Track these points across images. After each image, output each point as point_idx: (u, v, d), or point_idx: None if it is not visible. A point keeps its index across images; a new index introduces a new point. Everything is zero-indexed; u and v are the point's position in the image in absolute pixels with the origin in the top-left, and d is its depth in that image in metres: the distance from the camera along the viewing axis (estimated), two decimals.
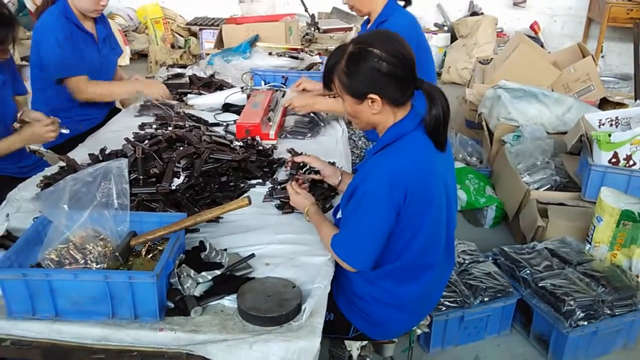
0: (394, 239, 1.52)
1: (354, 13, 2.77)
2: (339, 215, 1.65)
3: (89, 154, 2.09)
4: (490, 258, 2.64)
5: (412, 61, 1.48)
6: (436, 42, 6.44)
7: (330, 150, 2.32)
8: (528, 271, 2.45)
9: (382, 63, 1.44)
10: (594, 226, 2.62)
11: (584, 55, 4.49)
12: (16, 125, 2.25)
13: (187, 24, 6.68)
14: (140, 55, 6.57)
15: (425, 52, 2.54)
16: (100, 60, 2.75)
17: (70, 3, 2.57)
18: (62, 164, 2.03)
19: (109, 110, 2.77)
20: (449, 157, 1.65)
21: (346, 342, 1.78)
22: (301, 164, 2.03)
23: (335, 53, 1.53)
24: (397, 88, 1.48)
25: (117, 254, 1.41)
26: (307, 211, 1.71)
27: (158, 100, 2.65)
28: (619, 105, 3.97)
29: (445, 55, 6.40)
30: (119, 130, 2.40)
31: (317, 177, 1.95)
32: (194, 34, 6.46)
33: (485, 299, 2.37)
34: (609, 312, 2.31)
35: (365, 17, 2.66)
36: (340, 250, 1.54)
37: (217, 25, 5.63)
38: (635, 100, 4.43)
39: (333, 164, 2.06)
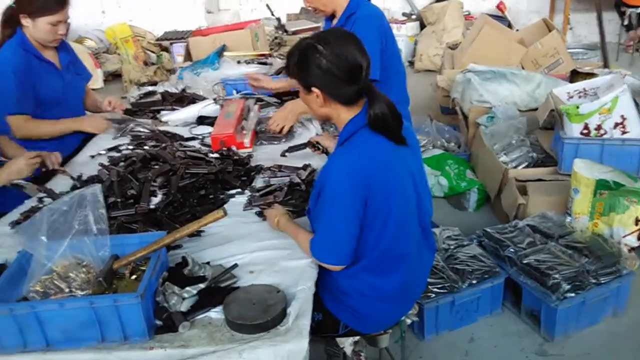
0: (366, 231, 1.56)
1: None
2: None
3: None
4: (474, 241, 2.68)
5: (355, 65, 1.52)
6: (406, 31, 6.48)
7: (306, 151, 2.34)
8: (512, 250, 2.49)
9: (322, 60, 1.51)
10: (572, 198, 2.66)
11: (550, 29, 4.55)
12: None
13: (157, 39, 6.66)
14: (114, 76, 6.55)
15: (392, 44, 2.58)
16: (64, 88, 2.73)
17: (27, 34, 2.56)
18: (41, 195, 2.04)
19: (83, 137, 2.77)
20: (414, 148, 1.69)
21: (338, 339, 1.80)
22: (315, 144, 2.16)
23: (295, 45, 1.61)
24: (336, 86, 1.54)
25: (100, 279, 1.43)
26: (277, 222, 1.75)
27: (99, 131, 2.67)
28: (590, 75, 4.03)
29: (416, 43, 6.45)
30: (96, 155, 2.41)
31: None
32: (165, 49, 6.45)
33: (474, 282, 2.41)
34: (594, 281, 2.36)
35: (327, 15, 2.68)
36: (319, 254, 1.58)
37: (187, 38, 5.64)
38: (605, 68, 4.50)
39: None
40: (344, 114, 1.59)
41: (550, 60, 4.33)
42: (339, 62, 1.51)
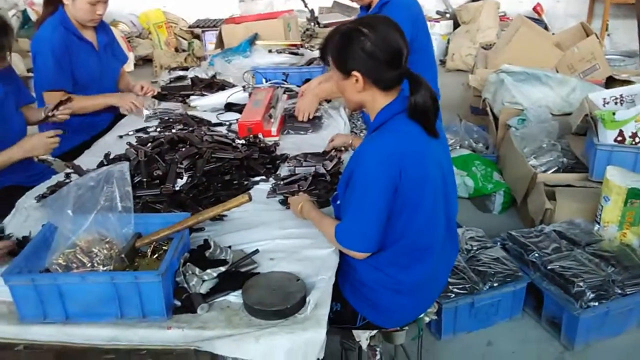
0: (393, 219, 1.54)
1: (354, 4, 2.79)
2: (338, 202, 1.67)
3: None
4: (498, 243, 2.64)
5: (397, 49, 1.52)
6: (439, 29, 6.41)
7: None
8: (537, 254, 2.44)
9: (367, 42, 1.50)
10: (602, 206, 2.60)
11: (588, 34, 4.45)
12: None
13: (189, 26, 6.71)
14: (145, 61, 6.62)
15: (425, 36, 2.56)
16: (101, 68, 2.77)
17: (68, 13, 2.60)
18: (68, 170, 2.07)
19: (114, 116, 2.80)
20: (443, 142, 1.67)
21: (354, 332, 1.79)
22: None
23: (334, 29, 1.60)
24: (378, 70, 1.53)
25: (122, 255, 1.44)
26: (300, 208, 1.73)
27: (131, 110, 2.69)
28: (626, 83, 3.92)
29: (448, 42, 6.37)
30: (125, 135, 2.44)
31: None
32: (197, 37, 6.49)
33: (495, 284, 2.37)
34: (619, 291, 2.30)
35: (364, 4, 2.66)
36: (345, 240, 1.56)
37: (219, 26, 5.66)
38: None
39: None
40: (380, 100, 1.57)
41: (586, 66, 4.23)
42: (384, 45, 1.50)
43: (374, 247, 1.56)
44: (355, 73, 1.53)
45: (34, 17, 6.02)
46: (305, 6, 5.16)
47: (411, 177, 1.50)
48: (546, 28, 6.11)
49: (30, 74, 4.49)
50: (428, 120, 1.53)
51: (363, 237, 1.54)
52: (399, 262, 1.59)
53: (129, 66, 6.19)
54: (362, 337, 1.80)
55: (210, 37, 6.08)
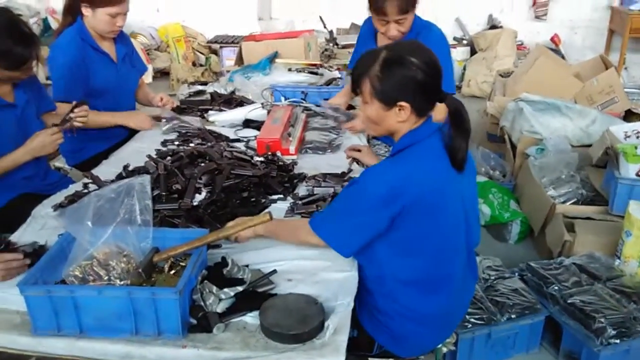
0: (406, 247, 1.51)
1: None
2: None
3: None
4: (516, 274, 2.59)
5: (441, 73, 1.50)
6: (455, 55, 6.41)
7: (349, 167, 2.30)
8: (556, 287, 2.39)
9: (418, 71, 1.45)
10: (623, 241, 2.55)
11: (607, 67, 4.43)
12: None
13: (207, 42, 6.76)
14: (162, 74, 6.66)
15: (450, 65, 2.56)
16: (119, 79, 2.76)
17: (87, 24, 2.60)
18: (86, 180, 2.05)
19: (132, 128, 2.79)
20: (469, 171, 1.62)
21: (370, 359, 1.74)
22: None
23: (367, 57, 1.52)
24: (426, 98, 1.50)
25: (140, 270, 1.41)
26: (253, 231, 1.65)
27: (142, 129, 2.69)
28: None
29: (464, 68, 6.37)
30: (143, 147, 2.42)
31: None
32: (215, 52, 6.53)
33: (513, 316, 2.31)
34: None
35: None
36: (319, 227, 1.55)
37: (237, 43, 5.69)
38: None
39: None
40: (410, 127, 1.54)
41: (605, 98, 4.20)
42: (433, 73, 1.47)
43: (345, 251, 1.54)
44: (402, 104, 1.48)
45: (54, 25, 6.09)
46: (324, 27, 5.19)
47: (424, 208, 1.47)
48: (563, 59, 6.10)
49: (49, 82, 4.52)
50: (461, 150, 1.50)
51: (338, 233, 1.53)
52: (417, 292, 1.56)
53: (148, 78, 6.22)
54: None
55: (227, 53, 6.11)
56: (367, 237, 1.51)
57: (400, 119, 1.51)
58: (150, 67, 6.37)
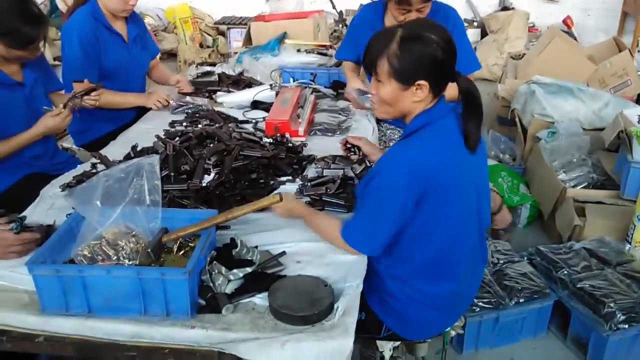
0: (419, 230, 1.49)
1: None
2: None
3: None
4: (525, 258, 2.57)
5: (456, 51, 1.47)
6: None
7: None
8: (566, 272, 2.37)
9: (438, 49, 1.42)
10: (634, 225, 2.52)
11: (620, 49, 4.35)
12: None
13: (215, 23, 6.70)
14: (169, 55, 6.62)
15: (469, 43, 2.56)
16: (130, 60, 2.75)
17: (100, 3, 2.58)
18: (95, 160, 2.05)
19: (140, 108, 2.77)
20: (481, 155, 1.60)
21: (378, 342, 1.74)
22: (351, 147, 2.04)
23: (382, 36, 1.48)
24: (443, 76, 1.47)
25: (149, 250, 1.40)
26: (290, 209, 1.65)
27: (158, 108, 2.68)
28: None
29: (475, 50, 6.28)
30: (150, 128, 2.41)
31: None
32: (222, 33, 6.48)
33: (521, 300, 2.30)
34: None
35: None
36: (351, 238, 1.52)
37: (245, 24, 5.64)
38: None
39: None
40: (424, 107, 1.51)
41: (618, 81, 4.13)
42: (450, 50, 1.44)
43: (378, 251, 1.52)
44: (421, 82, 1.45)
45: (61, 5, 6.05)
46: (334, 7, 5.13)
47: (440, 190, 1.44)
48: (575, 41, 6.01)
49: (57, 62, 4.51)
50: (473, 131, 1.48)
51: (370, 240, 1.50)
52: (427, 275, 1.55)
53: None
54: (386, 347, 1.75)
55: (235, 35, 6.06)
56: (396, 228, 1.49)
57: (417, 98, 1.48)
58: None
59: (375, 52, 1.48)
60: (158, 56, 3.04)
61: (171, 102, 2.68)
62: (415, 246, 1.52)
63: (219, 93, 2.87)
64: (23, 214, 1.71)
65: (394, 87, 1.48)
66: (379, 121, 2.65)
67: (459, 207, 1.50)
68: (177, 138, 2.08)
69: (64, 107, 2.13)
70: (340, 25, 4.79)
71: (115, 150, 2.20)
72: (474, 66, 2.50)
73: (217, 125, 2.29)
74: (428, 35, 1.43)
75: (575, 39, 6.15)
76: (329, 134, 2.44)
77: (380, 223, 1.47)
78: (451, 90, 1.55)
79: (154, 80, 3.02)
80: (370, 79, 1.65)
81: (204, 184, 1.82)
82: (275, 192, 1.77)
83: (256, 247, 1.56)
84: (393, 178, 1.44)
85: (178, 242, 1.50)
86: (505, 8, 6.47)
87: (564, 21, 6.56)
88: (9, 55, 2.04)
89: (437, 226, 1.49)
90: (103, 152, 2.15)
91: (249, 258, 1.50)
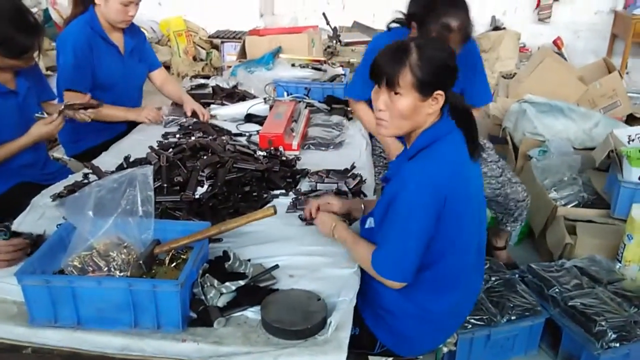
0: (433, 245, 1.48)
1: (374, 26, 2.77)
2: (367, 225, 1.61)
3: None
4: (517, 275, 2.57)
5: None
6: None
7: (353, 162, 2.28)
8: (557, 290, 2.37)
9: (450, 57, 1.46)
10: (625, 244, 2.53)
11: (610, 70, 4.41)
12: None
13: (209, 36, 6.72)
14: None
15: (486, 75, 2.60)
16: (125, 73, 2.72)
17: (99, 13, 2.58)
18: (86, 170, 2.03)
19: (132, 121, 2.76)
20: (478, 167, 1.61)
21: (370, 358, 1.72)
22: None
23: (396, 49, 1.46)
24: (451, 87, 1.49)
25: (141, 262, 1.39)
26: (334, 229, 1.65)
27: (149, 122, 2.66)
28: None
29: None
30: (143, 139, 2.40)
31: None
32: (216, 47, 6.49)
33: (513, 318, 2.29)
34: None
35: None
36: (383, 269, 1.49)
37: (239, 38, 5.67)
38: None
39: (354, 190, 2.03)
40: (433, 121, 1.51)
41: (607, 102, 4.18)
42: (456, 61, 1.48)
43: (410, 277, 1.49)
44: (439, 92, 1.46)
45: (55, 16, 6.04)
46: (327, 23, 5.15)
47: (455, 204, 1.44)
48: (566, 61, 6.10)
49: (49, 72, 4.49)
50: (475, 138, 1.50)
51: (402, 268, 1.47)
52: (430, 289, 1.54)
53: None
54: None
55: (228, 49, 6.07)
56: (424, 250, 1.47)
57: (431, 110, 1.48)
58: None
59: (396, 65, 1.45)
60: (162, 69, 2.96)
61: (164, 116, 2.66)
62: (429, 259, 1.50)
63: (212, 106, 2.87)
64: (12, 222, 1.69)
65: (413, 98, 1.46)
66: (371, 136, 2.66)
67: (468, 219, 1.50)
68: (171, 149, 2.07)
69: (58, 114, 2.11)
70: (334, 42, 4.81)
71: (107, 160, 2.19)
72: (488, 98, 2.58)
73: (210, 137, 2.28)
74: (440, 44, 1.48)
75: (565, 59, 6.24)
76: (323, 149, 2.44)
77: (407, 250, 1.45)
78: None
79: (165, 96, 2.96)
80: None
81: (197, 196, 1.81)
82: (269, 204, 1.76)
83: (249, 260, 1.55)
84: (414, 197, 1.42)
85: (170, 254, 1.48)
86: (496, 28, 6.56)
87: (555, 42, 6.66)
88: (2, 64, 2.03)
89: (452, 241, 1.49)
90: (95, 162, 2.13)
91: (242, 271, 1.49)
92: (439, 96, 1.46)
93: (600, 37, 6.66)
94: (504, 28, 6.52)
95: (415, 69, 1.43)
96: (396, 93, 1.46)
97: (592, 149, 3.32)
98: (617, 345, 2.17)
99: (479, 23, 6.71)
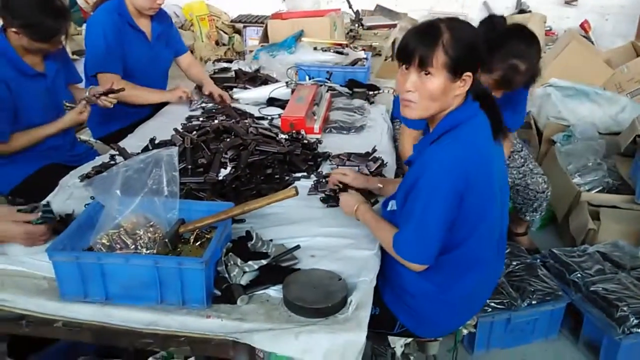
0: (456, 228, 1.47)
1: (397, 9, 2.75)
2: (389, 207, 1.62)
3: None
4: (538, 260, 2.56)
5: None
6: None
7: (375, 145, 2.29)
8: (579, 275, 2.36)
9: (479, 36, 1.46)
10: None
11: (638, 54, 4.32)
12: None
13: (231, 21, 6.73)
14: None
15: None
16: (151, 58, 2.75)
17: (127, 0, 2.60)
18: (113, 152, 2.07)
19: (157, 104, 2.79)
20: (501, 150, 1.60)
21: (390, 338, 1.74)
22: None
23: (427, 29, 1.45)
24: (479, 68, 1.48)
25: (166, 240, 1.42)
26: (356, 210, 1.66)
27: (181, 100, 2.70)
28: None
29: None
30: (168, 122, 2.43)
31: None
32: (238, 31, 6.50)
33: (533, 302, 2.29)
34: None
35: None
36: (405, 251, 1.49)
37: (261, 23, 5.66)
38: None
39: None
40: (458, 104, 1.50)
41: (635, 86, 4.10)
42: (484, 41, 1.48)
43: (432, 260, 1.49)
44: (468, 74, 1.44)
45: (80, 1, 6.11)
46: (350, 7, 5.12)
47: (478, 187, 1.44)
48: (593, 45, 5.97)
49: (75, 57, 4.55)
50: (499, 121, 1.50)
51: (423, 250, 1.47)
52: (450, 271, 1.54)
53: None
54: (397, 343, 1.76)
55: (251, 33, 6.07)
56: (445, 233, 1.47)
57: (459, 91, 1.46)
58: None
59: (428, 45, 1.42)
60: (188, 53, 2.98)
61: (194, 97, 2.70)
62: (451, 242, 1.50)
63: (235, 89, 2.89)
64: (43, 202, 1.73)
65: (444, 79, 1.43)
66: (393, 120, 2.66)
67: (491, 203, 1.50)
68: (195, 132, 2.10)
69: (86, 103, 2.18)
70: (357, 25, 4.78)
71: (133, 143, 2.23)
72: (520, 123, 2.59)
73: (233, 120, 2.31)
74: (469, 26, 1.47)
75: (592, 43, 6.11)
76: (344, 132, 2.45)
77: (429, 232, 1.45)
78: None
79: (190, 79, 2.98)
80: None
81: (220, 178, 1.84)
82: (291, 186, 1.78)
83: (271, 240, 1.58)
84: (436, 180, 1.42)
85: (195, 233, 1.52)
86: (522, 11, 6.44)
87: (581, 25, 6.51)
88: (31, 47, 2.08)
89: (476, 224, 1.48)
90: (121, 144, 2.17)
91: (264, 251, 1.52)
92: (468, 77, 1.45)
93: (629, 20, 6.48)
94: (530, 11, 6.40)
95: (448, 49, 1.41)
96: (427, 73, 1.43)
97: (618, 133, 3.28)
98: (639, 330, 2.16)
99: (504, 5, 6.62)
